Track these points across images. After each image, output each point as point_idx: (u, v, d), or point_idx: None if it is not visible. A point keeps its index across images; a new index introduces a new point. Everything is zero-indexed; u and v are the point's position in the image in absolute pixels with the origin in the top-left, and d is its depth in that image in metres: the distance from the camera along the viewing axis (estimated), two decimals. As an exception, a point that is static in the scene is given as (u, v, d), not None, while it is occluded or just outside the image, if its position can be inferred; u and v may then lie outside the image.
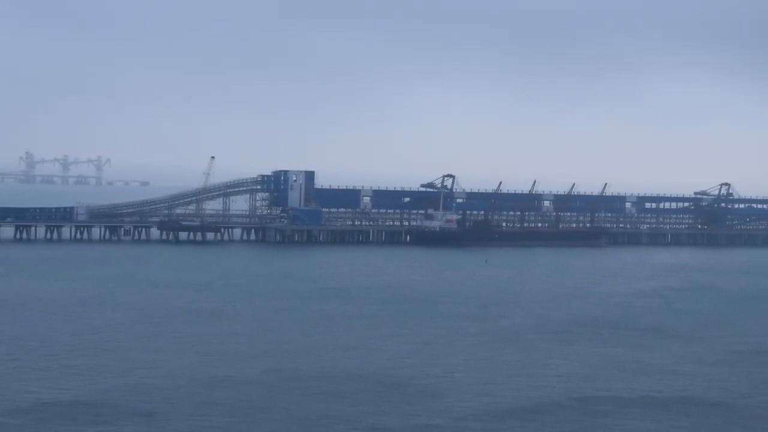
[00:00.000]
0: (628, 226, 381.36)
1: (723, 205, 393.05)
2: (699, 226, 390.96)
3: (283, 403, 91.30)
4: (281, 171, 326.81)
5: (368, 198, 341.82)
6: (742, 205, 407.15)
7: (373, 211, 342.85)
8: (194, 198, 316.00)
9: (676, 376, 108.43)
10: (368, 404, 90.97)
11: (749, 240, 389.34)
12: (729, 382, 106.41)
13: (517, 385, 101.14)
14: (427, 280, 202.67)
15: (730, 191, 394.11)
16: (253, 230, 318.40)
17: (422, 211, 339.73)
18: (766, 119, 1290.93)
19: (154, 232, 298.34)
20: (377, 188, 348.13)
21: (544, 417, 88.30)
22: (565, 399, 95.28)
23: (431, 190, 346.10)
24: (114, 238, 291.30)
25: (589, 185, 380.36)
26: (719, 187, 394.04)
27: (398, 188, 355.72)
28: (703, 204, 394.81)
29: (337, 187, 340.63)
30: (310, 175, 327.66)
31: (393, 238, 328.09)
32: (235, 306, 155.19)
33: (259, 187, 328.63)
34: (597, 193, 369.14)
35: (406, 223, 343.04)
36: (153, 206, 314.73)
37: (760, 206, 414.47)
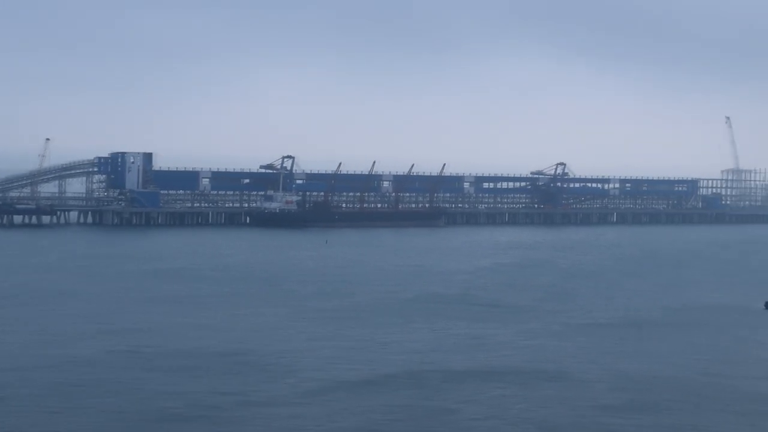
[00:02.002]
0: (467, 206, 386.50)
1: (558, 184, 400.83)
2: (535, 206, 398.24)
3: (123, 381, 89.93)
4: (118, 153, 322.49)
5: (207, 179, 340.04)
6: (577, 185, 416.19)
7: (212, 192, 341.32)
8: (29, 181, 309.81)
9: (513, 350, 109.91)
10: (208, 383, 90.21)
11: (584, 219, 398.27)
12: (565, 354, 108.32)
13: (357, 362, 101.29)
14: (268, 261, 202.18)
15: (566, 171, 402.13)
16: (90, 213, 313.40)
17: (262, 193, 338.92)
18: (601, 98, 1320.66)
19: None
20: (216, 170, 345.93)
21: (382, 392, 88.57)
22: (402, 374, 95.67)
23: (271, 171, 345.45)
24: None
25: (428, 165, 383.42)
26: (555, 166, 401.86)
27: (238, 170, 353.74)
28: (540, 183, 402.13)
29: (175, 169, 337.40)
30: (147, 157, 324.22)
31: (233, 220, 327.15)
32: (74, 288, 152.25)
33: (95, 169, 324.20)
34: (436, 174, 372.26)
35: (246, 205, 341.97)
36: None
37: (594, 185, 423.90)
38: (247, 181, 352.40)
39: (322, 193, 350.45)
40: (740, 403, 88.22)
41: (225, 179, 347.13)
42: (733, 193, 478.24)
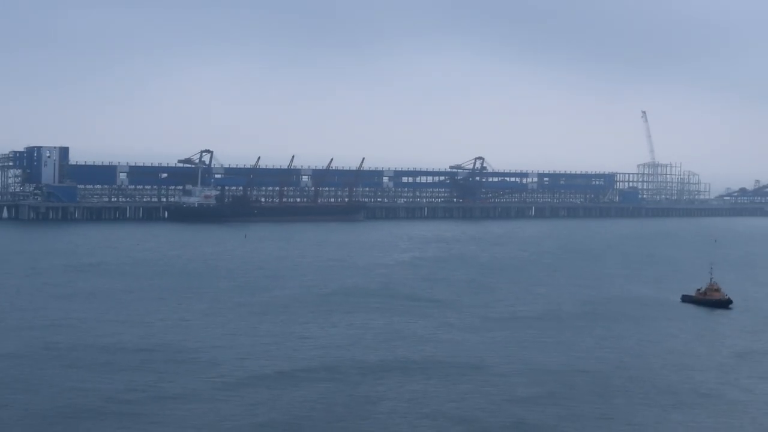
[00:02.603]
0: (386, 200, 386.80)
1: (477, 178, 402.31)
2: (454, 200, 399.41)
3: (41, 377, 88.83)
4: (34, 147, 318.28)
5: (124, 174, 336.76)
6: (495, 179, 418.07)
7: (130, 187, 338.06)
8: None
9: (433, 344, 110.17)
10: (125, 378, 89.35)
11: (503, 212, 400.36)
12: (484, 348, 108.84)
13: (276, 356, 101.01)
14: (187, 256, 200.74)
15: (484, 165, 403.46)
16: (5, 208, 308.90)
17: (180, 187, 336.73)
18: (519, 93, 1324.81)
19: None
20: (134, 164, 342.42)
21: (301, 386, 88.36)
22: (321, 368, 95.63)
23: (189, 165, 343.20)
24: None
25: (347, 160, 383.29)
26: (473, 161, 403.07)
27: (155, 164, 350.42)
28: (458, 178, 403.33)
29: (92, 163, 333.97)
30: (64, 151, 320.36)
31: (151, 215, 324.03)
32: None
33: (11, 163, 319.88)
34: (355, 168, 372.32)
35: (164, 200, 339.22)
36: None
37: (512, 179, 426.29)
38: (165, 175, 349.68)
39: (240, 188, 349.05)
40: (653, 394, 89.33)
41: (143, 174, 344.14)
42: (650, 187, 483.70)
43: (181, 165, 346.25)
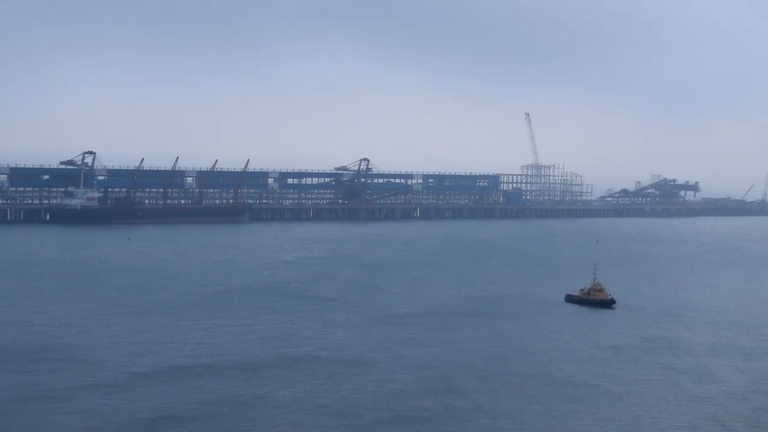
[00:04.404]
0: (271, 201, 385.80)
1: (362, 180, 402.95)
2: (340, 201, 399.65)
3: None
4: None
5: (5, 176, 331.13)
6: (381, 180, 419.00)
7: (11, 189, 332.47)
8: None
9: (319, 342, 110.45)
10: (4, 378, 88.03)
11: (388, 214, 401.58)
12: (368, 344, 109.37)
13: (159, 356, 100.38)
14: (69, 258, 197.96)
15: (369, 166, 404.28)
16: None
17: (62, 189, 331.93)
18: (404, 94, 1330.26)
19: None
20: (14, 165, 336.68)
21: (185, 385, 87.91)
22: (207, 367, 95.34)
23: (71, 167, 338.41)
24: None
25: (232, 161, 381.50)
26: (359, 162, 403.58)
27: (37, 165, 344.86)
28: (344, 179, 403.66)
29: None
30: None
31: (32, 217, 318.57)
32: None
33: None
34: (240, 170, 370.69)
35: (46, 202, 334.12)
36: None
37: (397, 180, 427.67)
38: (46, 177, 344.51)
39: (124, 190, 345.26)
40: (534, 389, 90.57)
41: (24, 175, 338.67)
42: (534, 188, 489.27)
43: (63, 166, 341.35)
